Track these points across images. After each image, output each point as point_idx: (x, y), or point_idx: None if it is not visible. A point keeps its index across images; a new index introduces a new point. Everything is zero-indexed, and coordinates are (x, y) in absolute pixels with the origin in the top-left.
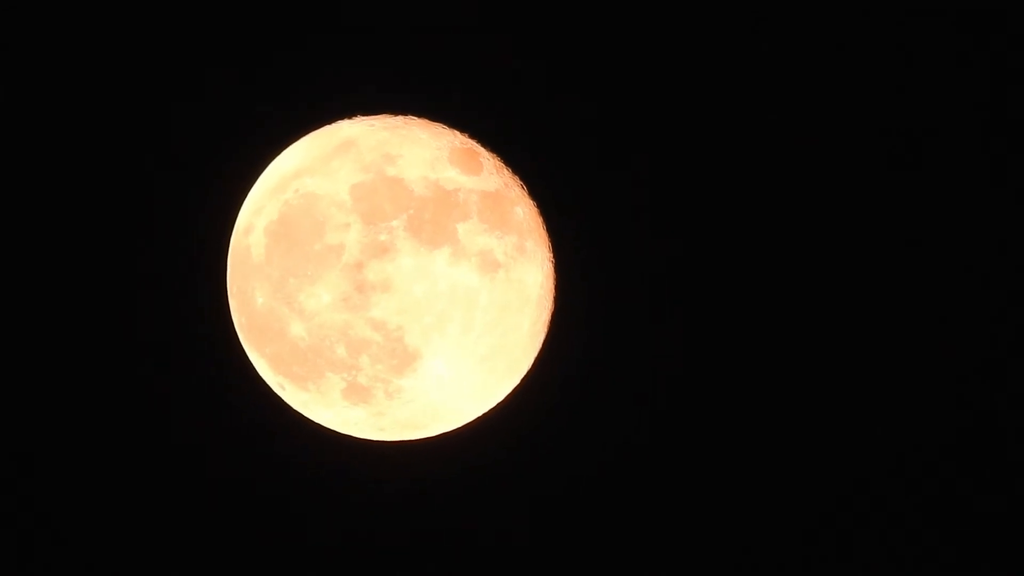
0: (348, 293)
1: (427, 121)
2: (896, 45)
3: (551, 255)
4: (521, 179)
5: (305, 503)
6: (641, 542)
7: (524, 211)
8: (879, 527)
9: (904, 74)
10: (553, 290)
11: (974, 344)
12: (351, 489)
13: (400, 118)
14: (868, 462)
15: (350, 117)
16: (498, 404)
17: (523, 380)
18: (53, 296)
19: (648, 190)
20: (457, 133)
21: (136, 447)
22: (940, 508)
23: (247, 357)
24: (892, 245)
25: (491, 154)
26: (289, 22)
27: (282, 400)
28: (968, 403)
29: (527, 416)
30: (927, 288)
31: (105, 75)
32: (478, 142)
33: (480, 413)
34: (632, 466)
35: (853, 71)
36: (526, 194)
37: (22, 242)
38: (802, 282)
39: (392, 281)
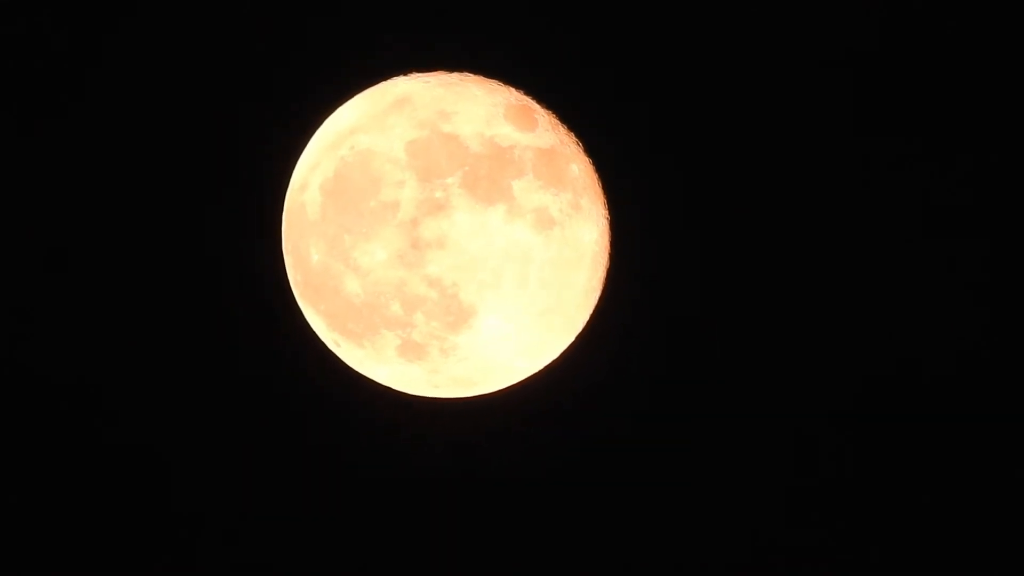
0: (403, 250)
1: (482, 78)
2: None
3: (606, 212)
4: (576, 136)
5: (359, 460)
6: (694, 498)
7: (579, 168)
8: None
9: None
10: (608, 247)
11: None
12: (405, 446)
13: (455, 75)
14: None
15: (405, 74)
16: (552, 361)
17: (578, 337)
18: (105, 255)
19: (703, 147)
20: (512, 89)
21: (191, 405)
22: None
23: (302, 314)
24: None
25: (546, 111)
26: None
27: (337, 357)
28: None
29: (582, 373)
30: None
31: (157, 40)
32: (533, 99)
33: (535, 370)
34: (686, 423)
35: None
36: (581, 151)
37: (77, 205)
38: (854, 243)
39: (447, 238)
